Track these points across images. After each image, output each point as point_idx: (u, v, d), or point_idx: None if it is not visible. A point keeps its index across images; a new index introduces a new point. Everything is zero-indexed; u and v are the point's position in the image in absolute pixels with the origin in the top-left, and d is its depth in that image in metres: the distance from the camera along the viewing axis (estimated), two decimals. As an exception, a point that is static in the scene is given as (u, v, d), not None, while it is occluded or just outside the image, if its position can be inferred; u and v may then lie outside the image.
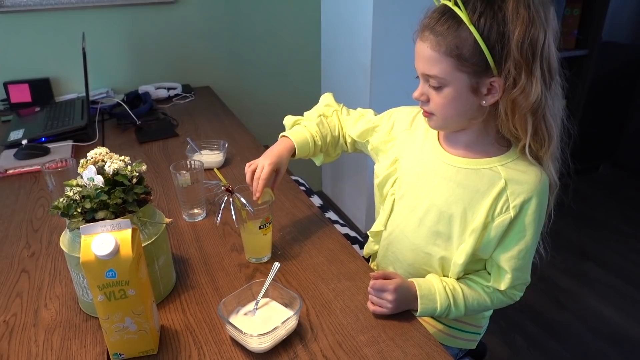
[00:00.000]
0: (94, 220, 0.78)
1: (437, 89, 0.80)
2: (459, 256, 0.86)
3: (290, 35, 2.45)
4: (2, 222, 1.17)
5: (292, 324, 0.77)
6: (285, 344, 0.77)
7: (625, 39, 2.88)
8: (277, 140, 1.06)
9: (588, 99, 2.78)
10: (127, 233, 0.70)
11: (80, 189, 0.81)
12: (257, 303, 0.82)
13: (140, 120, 1.75)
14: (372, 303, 0.83)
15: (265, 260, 0.97)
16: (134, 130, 1.72)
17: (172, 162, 1.10)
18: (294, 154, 1.03)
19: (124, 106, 1.80)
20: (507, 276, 0.85)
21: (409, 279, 0.87)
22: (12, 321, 0.84)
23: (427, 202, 0.89)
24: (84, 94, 1.79)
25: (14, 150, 1.52)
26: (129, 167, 0.85)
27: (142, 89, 2.07)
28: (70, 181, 0.82)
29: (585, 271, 2.20)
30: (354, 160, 2.43)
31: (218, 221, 1.05)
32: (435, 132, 0.92)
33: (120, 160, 0.85)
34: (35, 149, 1.51)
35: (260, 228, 0.93)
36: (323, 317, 0.83)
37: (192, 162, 1.13)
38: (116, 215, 0.80)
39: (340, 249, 1.01)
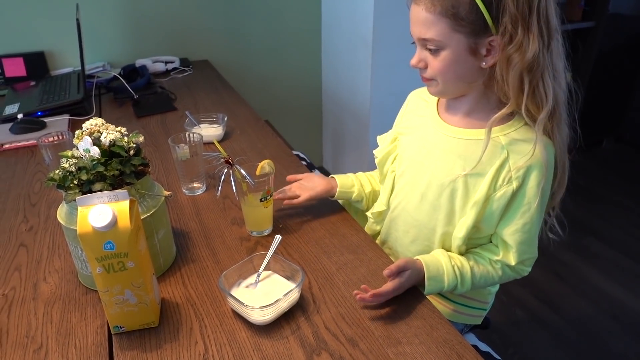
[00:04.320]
0: (90, 192, 0.76)
1: (435, 52, 0.78)
2: (459, 229, 0.85)
3: (290, 8, 2.39)
4: (-1, 197, 1.15)
5: (294, 296, 0.76)
6: (287, 316, 0.76)
7: (632, 11, 2.81)
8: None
9: (593, 72, 2.73)
10: (125, 204, 0.68)
11: (76, 160, 0.79)
12: (258, 276, 0.81)
13: (137, 94, 1.71)
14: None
15: (266, 233, 0.96)
16: (131, 104, 1.69)
17: (170, 136, 1.08)
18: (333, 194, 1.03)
19: (121, 80, 1.76)
20: (512, 251, 0.84)
21: (416, 257, 0.85)
22: (12, 295, 0.83)
23: (427, 176, 0.87)
24: (80, 68, 1.75)
25: (9, 125, 1.49)
26: (125, 138, 0.83)
27: (139, 62, 2.02)
28: (65, 152, 0.80)
29: (587, 245, 2.20)
30: (354, 136, 2.41)
31: (218, 194, 1.03)
32: (434, 104, 0.89)
33: (116, 131, 0.83)
34: (31, 123, 1.48)
35: (261, 201, 0.91)
36: (325, 289, 0.82)
37: (191, 134, 1.10)
38: (113, 187, 0.78)
39: (342, 222, 1.00)
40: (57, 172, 0.79)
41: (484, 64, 0.76)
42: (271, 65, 2.47)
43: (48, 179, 0.78)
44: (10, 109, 1.60)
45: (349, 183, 1.04)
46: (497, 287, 1.00)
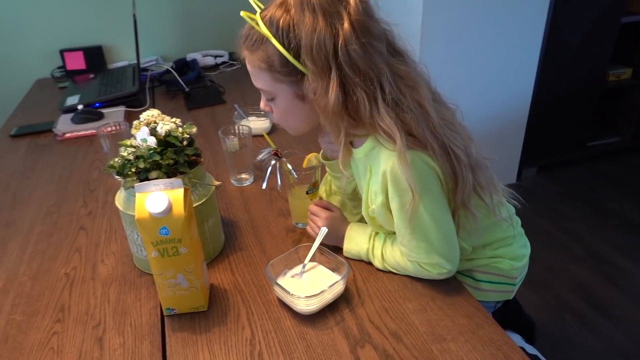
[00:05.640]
0: (147, 179, 0.80)
1: (270, 100, 0.82)
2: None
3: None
4: (61, 183, 1.22)
5: (339, 288, 0.77)
6: (331, 307, 0.77)
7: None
8: None
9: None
10: (180, 192, 0.71)
11: (134, 149, 0.83)
12: (304, 266, 0.82)
13: (188, 87, 1.77)
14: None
15: (311, 225, 0.97)
16: (183, 97, 1.75)
17: (219, 128, 1.11)
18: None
19: (174, 73, 1.82)
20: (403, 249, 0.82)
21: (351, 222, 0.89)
22: (73, 274, 0.89)
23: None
24: (135, 61, 1.83)
25: (70, 115, 1.58)
26: (180, 129, 0.86)
27: (189, 56, 2.09)
28: (124, 141, 0.84)
29: (644, 251, 2.08)
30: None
31: (265, 185, 1.05)
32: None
33: (171, 122, 0.86)
34: (90, 113, 1.56)
35: (307, 193, 0.92)
36: (370, 283, 0.82)
37: (240, 127, 1.13)
38: (168, 175, 0.81)
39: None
40: (116, 160, 0.83)
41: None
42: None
43: (108, 167, 0.82)
44: (71, 100, 1.69)
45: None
46: (521, 263, 0.96)
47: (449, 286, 0.81)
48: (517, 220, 0.98)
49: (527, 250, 0.98)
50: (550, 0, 2.08)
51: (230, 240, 0.95)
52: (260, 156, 1.12)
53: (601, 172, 2.65)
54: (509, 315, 1.08)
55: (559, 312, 1.78)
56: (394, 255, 0.82)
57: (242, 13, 0.75)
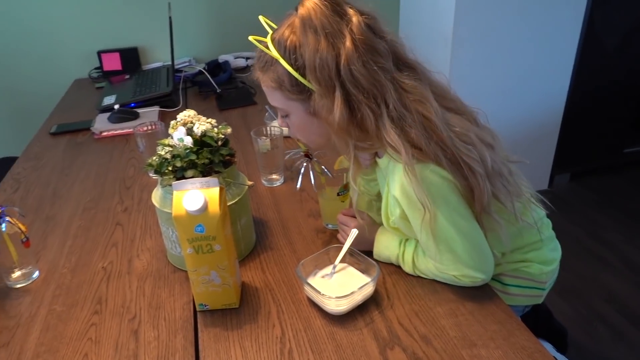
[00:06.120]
0: (183, 178, 0.82)
1: (285, 117, 0.84)
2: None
3: (366, 1, 2.39)
4: (98, 179, 1.26)
5: (369, 290, 0.78)
6: (361, 308, 0.77)
7: None
8: None
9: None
10: (215, 191, 0.72)
11: (171, 148, 0.85)
12: (334, 267, 0.83)
13: (220, 88, 1.80)
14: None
15: (341, 227, 0.98)
16: (215, 98, 1.78)
17: (250, 129, 1.13)
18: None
19: (206, 74, 1.86)
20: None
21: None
22: (109, 268, 0.92)
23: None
24: (169, 63, 1.87)
25: (107, 114, 1.63)
26: (215, 129, 0.88)
27: (221, 58, 2.12)
28: (162, 140, 0.86)
29: (682, 263, 2.01)
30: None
31: (299, 186, 1.07)
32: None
33: (207, 123, 0.88)
34: (126, 113, 1.61)
35: (338, 195, 0.93)
36: (399, 285, 0.82)
37: (272, 128, 1.15)
38: (203, 174, 0.83)
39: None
40: (154, 158, 0.86)
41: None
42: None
43: (147, 165, 0.85)
44: (108, 100, 1.75)
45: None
46: (551, 267, 0.94)
47: (479, 291, 0.80)
48: (548, 223, 0.96)
49: (557, 254, 0.96)
50: (587, 0, 2.03)
51: (261, 239, 0.97)
52: (288, 156, 1.13)
53: (637, 181, 2.56)
54: (539, 322, 1.06)
55: (591, 322, 1.74)
56: (426, 264, 0.82)
57: (250, 38, 0.80)
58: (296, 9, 0.75)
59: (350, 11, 0.73)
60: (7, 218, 0.83)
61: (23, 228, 0.85)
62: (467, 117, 0.81)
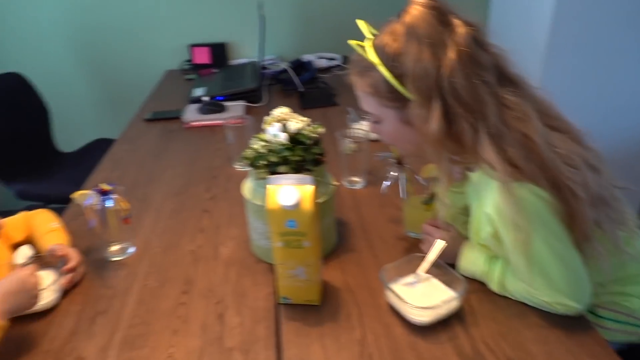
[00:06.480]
0: (275, 172, 0.84)
1: (376, 123, 0.83)
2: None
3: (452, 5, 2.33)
4: (187, 167, 1.33)
5: (455, 304, 0.76)
6: (444, 322, 0.76)
7: None
8: None
9: None
10: (309, 188, 0.74)
11: (265, 143, 0.88)
12: (418, 276, 0.82)
13: (303, 87, 1.83)
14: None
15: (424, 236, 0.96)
16: (297, 96, 1.81)
17: (332, 130, 1.14)
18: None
19: (290, 73, 1.90)
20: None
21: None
22: (198, 252, 0.96)
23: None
24: (254, 59, 1.93)
25: (196, 105, 1.71)
26: (309, 128, 0.90)
27: (305, 57, 2.16)
28: (259, 134, 0.89)
29: None
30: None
31: (385, 190, 1.06)
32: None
33: (302, 121, 0.90)
34: (214, 105, 1.68)
35: (424, 203, 0.92)
36: (484, 304, 0.79)
37: (358, 131, 1.15)
38: (295, 171, 0.85)
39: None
40: (249, 152, 0.89)
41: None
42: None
43: (243, 157, 0.88)
44: (198, 92, 1.83)
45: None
46: None
47: (571, 319, 0.76)
48: None
49: None
50: None
51: (342, 240, 0.97)
52: (379, 158, 1.13)
53: None
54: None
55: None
56: (516, 286, 0.79)
57: (350, 42, 0.80)
58: (398, 16, 0.74)
59: (456, 21, 0.71)
60: (115, 196, 0.90)
61: (127, 206, 0.92)
62: (571, 137, 0.77)
